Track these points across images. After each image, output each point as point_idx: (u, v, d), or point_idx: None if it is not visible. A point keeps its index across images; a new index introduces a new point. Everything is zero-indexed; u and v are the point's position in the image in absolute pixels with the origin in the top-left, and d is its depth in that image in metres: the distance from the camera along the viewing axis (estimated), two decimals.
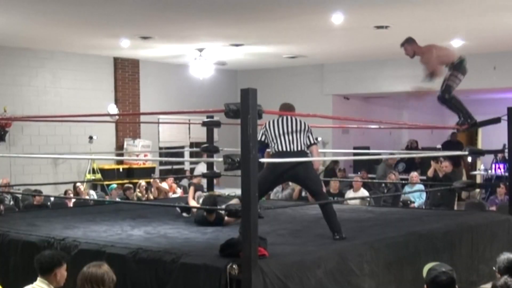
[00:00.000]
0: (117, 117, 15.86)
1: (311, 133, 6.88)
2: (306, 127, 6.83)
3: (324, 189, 7.54)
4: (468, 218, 8.61)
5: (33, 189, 11.97)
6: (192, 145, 17.95)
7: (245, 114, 5.08)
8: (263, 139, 6.78)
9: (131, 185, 13.69)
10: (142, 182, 13.83)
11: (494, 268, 4.99)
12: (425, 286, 4.47)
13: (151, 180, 14.25)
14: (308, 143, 6.82)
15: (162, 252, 5.84)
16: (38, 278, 5.17)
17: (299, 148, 6.70)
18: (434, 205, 11.39)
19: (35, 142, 14.84)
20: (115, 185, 13.49)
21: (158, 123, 16.70)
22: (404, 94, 13.86)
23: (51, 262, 5.19)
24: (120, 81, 16.60)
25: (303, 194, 13.23)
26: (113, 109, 16.06)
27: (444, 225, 7.91)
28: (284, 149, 6.67)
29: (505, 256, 5.00)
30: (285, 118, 6.83)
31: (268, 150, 6.90)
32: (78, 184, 13.23)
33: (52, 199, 12.16)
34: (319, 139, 17.60)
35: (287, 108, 7.12)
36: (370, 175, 16.59)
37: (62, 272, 5.18)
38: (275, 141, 6.73)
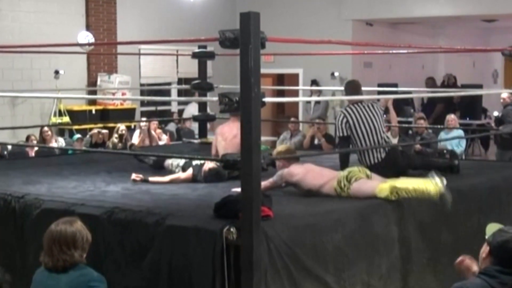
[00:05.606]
0: (90, 47, 15.67)
1: None
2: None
3: None
4: None
5: None
6: (180, 81, 17.88)
7: (245, 44, 5.04)
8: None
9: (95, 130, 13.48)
10: (121, 126, 13.69)
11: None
12: (486, 247, 4.43)
13: (144, 124, 13.90)
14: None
15: (144, 212, 5.83)
16: None
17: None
18: None
19: None
20: (76, 136, 13.25)
21: (139, 54, 16.58)
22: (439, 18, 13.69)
23: None
24: (92, 3, 16.41)
25: (316, 141, 13.24)
26: (85, 37, 15.81)
27: (489, 179, 7.88)
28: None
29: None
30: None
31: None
32: (45, 128, 13.14)
33: (9, 147, 12.13)
34: (336, 74, 17.55)
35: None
36: (398, 119, 16.47)
37: None
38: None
